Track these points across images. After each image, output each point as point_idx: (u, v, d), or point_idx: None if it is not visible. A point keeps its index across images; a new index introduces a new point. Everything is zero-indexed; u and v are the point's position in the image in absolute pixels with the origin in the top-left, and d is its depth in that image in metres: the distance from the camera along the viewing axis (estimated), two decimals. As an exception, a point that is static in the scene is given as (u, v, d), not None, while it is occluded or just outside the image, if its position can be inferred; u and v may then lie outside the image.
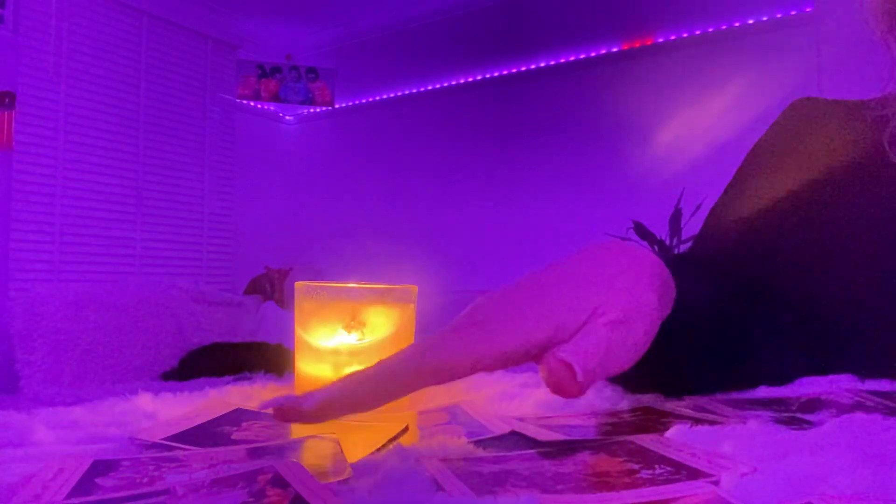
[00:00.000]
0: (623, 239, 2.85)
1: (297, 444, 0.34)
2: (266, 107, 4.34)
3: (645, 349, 0.33)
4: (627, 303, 0.32)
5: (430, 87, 3.90)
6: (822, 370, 0.47)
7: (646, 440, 0.32)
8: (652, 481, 0.26)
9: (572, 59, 3.38)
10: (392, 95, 4.06)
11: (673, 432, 0.33)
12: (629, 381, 0.45)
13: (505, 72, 3.61)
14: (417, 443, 0.34)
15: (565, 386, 0.29)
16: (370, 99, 4.16)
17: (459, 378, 0.30)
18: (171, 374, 2.73)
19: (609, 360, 0.31)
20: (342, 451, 0.31)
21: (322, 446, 0.33)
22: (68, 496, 0.25)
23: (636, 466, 0.28)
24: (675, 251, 2.77)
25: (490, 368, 0.30)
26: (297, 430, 0.39)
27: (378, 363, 0.30)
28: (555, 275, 0.34)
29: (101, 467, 0.28)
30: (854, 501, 0.22)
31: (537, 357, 0.31)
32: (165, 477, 0.27)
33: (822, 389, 0.43)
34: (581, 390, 0.30)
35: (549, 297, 0.32)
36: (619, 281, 0.33)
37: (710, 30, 2.99)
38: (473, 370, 0.30)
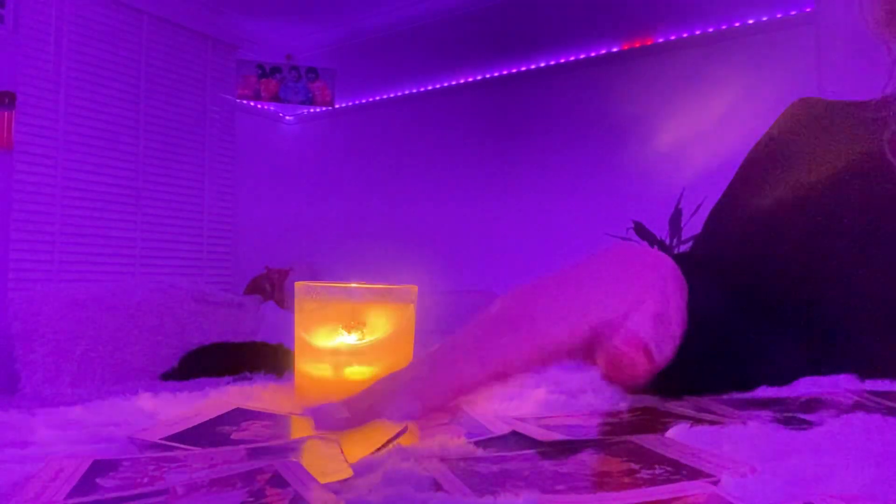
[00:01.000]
0: (623, 239, 2.85)
1: (297, 445, 0.34)
2: (266, 107, 4.34)
3: (679, 342, 0.33)
4: (662, 297, 0.32)
5: (430, 87, 3.90)
6: (822, 370, 0.47)
7: (646, 440, 0.32)
8: (652, 481, 0.26)
9: (572, 59, 3.38)
10: (392, 95, 4.06)
11: (673, 432, 0.33)
12: None
13: (505, 72, 3.61)
14: (417, 443, 0.34)
15: (638, 367, 0.28)
16: (370, 99, 4.16)
17: (514, 375, 0.29)
18: (171, 374, 2.74)
19: (658, 349, 0.31)
20: (342, 452, 0.31)
21: (322, 446, 0.33)
22: (68, 496, 0.25)
23: (636, 466, 0.28)
24: (675, 251, 2.77)
25: (544, 363, 0.29)
26: (297, 431, 0.39)
27: (429, 360, 0.28)
28: (589, 271, 0.34)
29: (101, 467, 0.28)
30: (854, 501, 0.22)
31: (586, 351, 0.30)
32: (165, 477, 0.27)
33: (822, 389, 0.43)
34: (653, 371, 0.29)
35: (589, 291, 0.32)
36: (651, 277, 0.33)
37: (710, 30, 2.99)
38: (530, 366, 0.29)
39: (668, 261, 0.37)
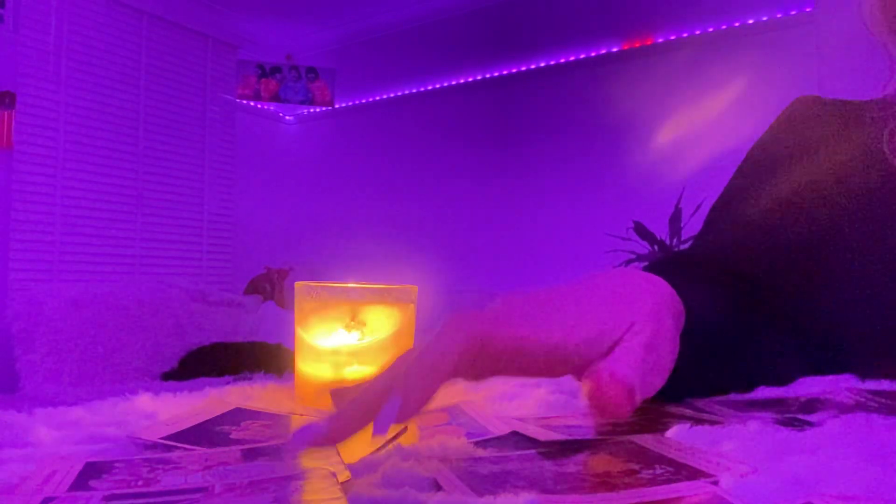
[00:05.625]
0: (623, 239, 2.85)
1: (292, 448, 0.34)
2: (266, 107, 4.34)
3: (668, 374, 0.32)
4: (655, 325, 0.32)
5: (430, 87, 3.90)
6: (822, 370, 0.47)
7: (646, 440, 0.31)
8: (652, 481, 0.26)
9: (572, 59, 3.38)
10: (392, 95, 4.06)
11: (673, 432, 0.33)
12: None
13: (505, 72, 3.61)
14: (417, 443, 0.33)
15: (617, 404, 0.27)
16: (370, 99, 4.16)
17: (498, 357, 0.28)
18: (171, 374, 2.74)
19: (645, 382, 0.30)
20: (339, 454, 0.31)
21: (319, 449, 0.32)
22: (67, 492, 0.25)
23: (636, 466, 0.28)
24: (675, 251, 2.76)
25: (529, 356, 0.28)
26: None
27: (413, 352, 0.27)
28: (589, 284, 0.34)
29: (93, 469, 0.28)
30: (854, 501, 0.22)
31: (578, 368, 0.30)
32: (160, 479, 0.27)
33: (822, 389, 0.43)
34: (632, 410, 0.28)
35: (590, 301, 0.32)
36: (649, 302, 0.33)
37: (710, 30, 2.99)
38: (517, 352, 0.28)
39: (665, 287, 0.37)
